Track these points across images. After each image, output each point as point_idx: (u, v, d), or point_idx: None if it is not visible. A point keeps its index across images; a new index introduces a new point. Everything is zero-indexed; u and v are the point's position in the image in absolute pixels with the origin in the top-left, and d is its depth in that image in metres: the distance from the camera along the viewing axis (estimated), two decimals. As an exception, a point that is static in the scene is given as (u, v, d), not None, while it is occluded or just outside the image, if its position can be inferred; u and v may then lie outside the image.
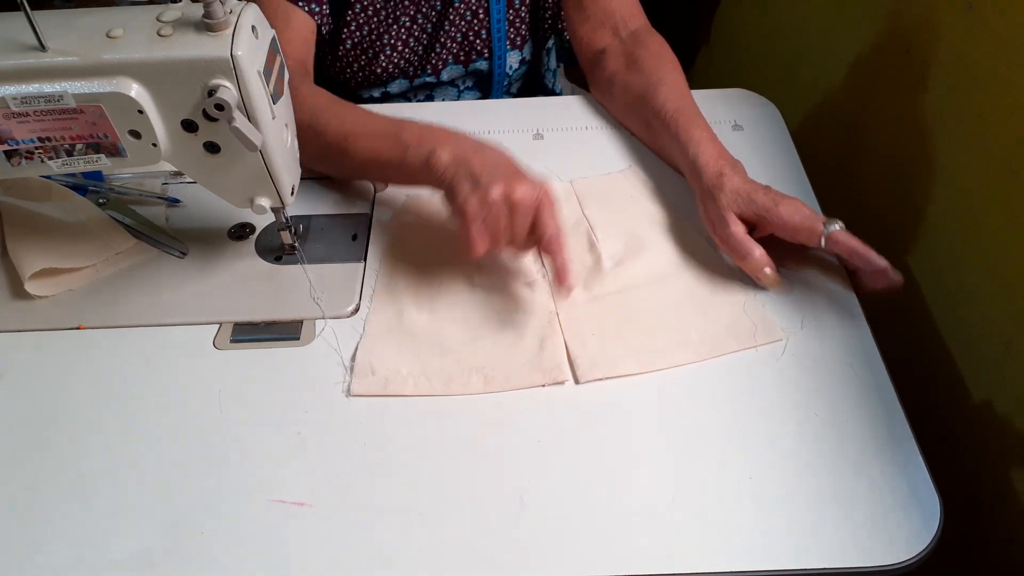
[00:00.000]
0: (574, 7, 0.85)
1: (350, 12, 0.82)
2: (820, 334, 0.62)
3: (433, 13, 0.85)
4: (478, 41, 0.87)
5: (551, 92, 1.01)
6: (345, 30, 0.83)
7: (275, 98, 0.54)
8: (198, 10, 0.50)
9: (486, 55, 0.89)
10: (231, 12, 0.50)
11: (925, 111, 0.79)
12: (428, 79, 0.89)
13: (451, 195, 0.61)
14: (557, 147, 0.80)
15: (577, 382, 0.58)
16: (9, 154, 0.53)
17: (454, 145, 0.62)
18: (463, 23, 0.86)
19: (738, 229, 0.63)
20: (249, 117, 0.52)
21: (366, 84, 0.88)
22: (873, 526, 0.50)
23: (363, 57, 0.85)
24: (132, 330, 0.63)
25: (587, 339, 0.61)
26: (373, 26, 0.84)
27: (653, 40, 0.80)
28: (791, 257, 0.65)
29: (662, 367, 0.59)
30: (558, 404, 0.57)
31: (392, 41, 0.85)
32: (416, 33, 0.86)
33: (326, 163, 0.72)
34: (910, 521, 0.51)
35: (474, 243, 0.58)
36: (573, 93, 1.03)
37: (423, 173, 0.63)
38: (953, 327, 0.76)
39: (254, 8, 0.53)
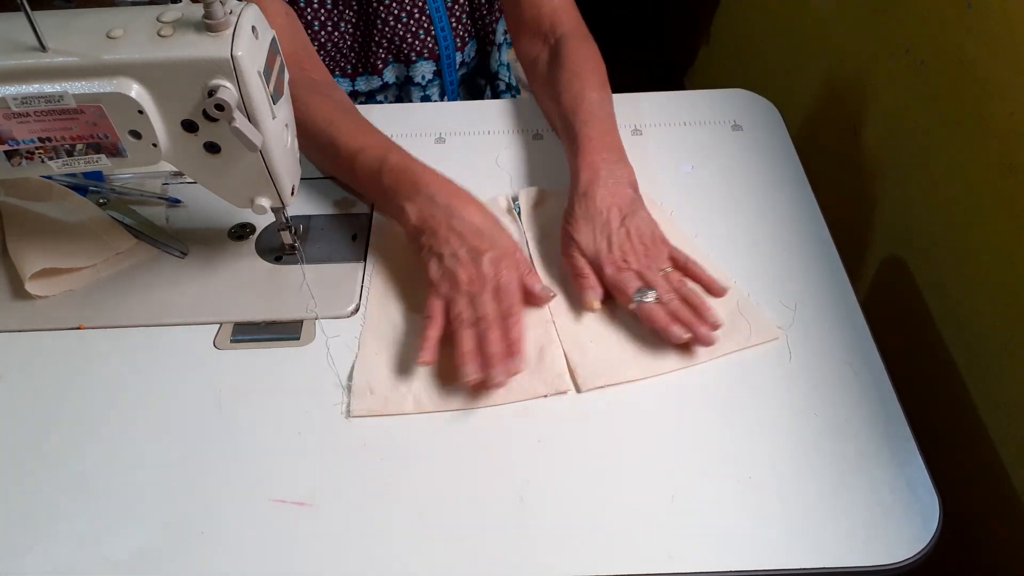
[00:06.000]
0: (513, 17, 0.84)
1: None
2: (820, 334, 0.62)
3: (355, 2, 0.83)
4: (416, 42, 0.86)
5: (507, 85, 0.99)
6: None
7: (275, 98, 0.55)
8: (198, 10, 0.50)
9: (426, 55, 0.87)
10: (231, 12, 0.50)
11: (925, 111, 0.79)
12: (373, 81, 0.88)
13: (423, 267, 0.62)
14: (557, 147, 0.80)
15: (579, 391, 0.58)
16: (9, 154, 0.53)
17: (422, 203, 0.63)
18: (399, 25, 0.84)
19: (572, 252, 0.64)
20: (249, 117, 0.52)
21: None
22: (872, 526, 0.50)
23: None
24: (132, 330, 0.63)
25: (586, 346, 0.60)
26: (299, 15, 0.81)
27: (576, 42, 0.79)
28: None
29: (661, 372, 0.59)
30: (558, 404, 0.57)
31: (321, 35, 0.83)
32: (345, 28, 0.84)
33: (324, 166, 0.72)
34: (909, 521, 0.51)
35: (462, 365, 0.57)
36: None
37: (398, 221, 0.65)
38: (953, 327, 0.76)
39: (254, 8, 0.53)
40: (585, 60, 0.76)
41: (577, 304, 0.64)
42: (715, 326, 0.59)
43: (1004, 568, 0.71)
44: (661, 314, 0.60)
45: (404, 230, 0.65)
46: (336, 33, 0.84)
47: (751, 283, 0.65)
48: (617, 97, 0.85)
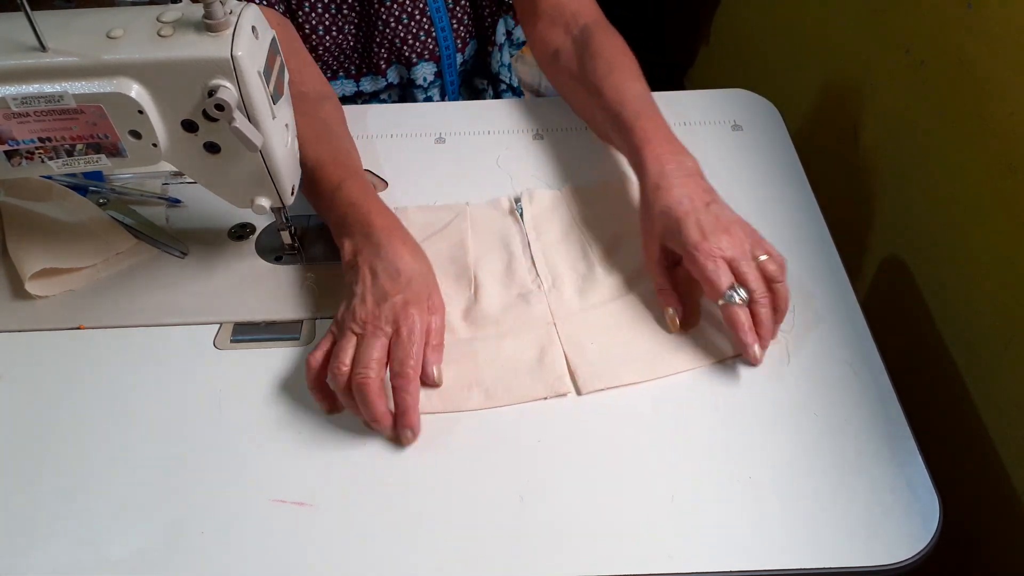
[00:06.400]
0: (526, 7, 0.83)
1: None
2: (820, 334, 0.62)
3: (357, 3, 0.83)
4: (417, 43, 0.85)
5: (508, 86, 0.99)
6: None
7: (275, 98, 0.55)
8: (198, 10, 0.50)
9: (427, 56, 0.87)
10: (231, 12, 0.50)
11: (925, 111, 0.79)
12: (378, 81, 0.88)
13: (344, 299, 0.58)
14: (557, 147, 0.80)
15: (579, 393, 0.58)
16: (9, 154, 0.53)
17: (358, 240, 0.59)
18: (399, 26, 0.84)
19: (655, 258, 0.62)
20: (249, 117, 0.52)
21: None
22: (872, 526, 0.50)
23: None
24: (132, 330, 0.63)
25: (586, 348, 0.60)
26: (296, 12, 0.80)
27: (604, 33, 0.77)
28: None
29: (662, 375, 0.59)
30: (558, 405, 0.57)
31: (326, 39, 0.83)
32: (348, 30, 0.84)
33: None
34: (909, 521, 0.51)
35: (334, 377, 0.54)
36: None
37: (340, 254, 0.62)
38: (953, 327, 0.76)
39: (254, 9, 0.53)
40: (620, 52, 0.75)
41: (580, 305, 0.64)
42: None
43: (1004, 568, 0.71)
44: (745, 322, 0.57)
45: (343, 267, 0.61)
46: (340, 35, 0.84)
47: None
48: (617, 97, 0.85)
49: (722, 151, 0.79)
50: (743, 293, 0.57)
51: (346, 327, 0.55)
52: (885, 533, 0.50)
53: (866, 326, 0.62)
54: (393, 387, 0.54)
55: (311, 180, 0.66)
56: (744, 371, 0.59)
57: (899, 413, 0.57)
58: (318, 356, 0.56)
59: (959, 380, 0.74)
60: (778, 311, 0.58)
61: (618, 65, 0.73)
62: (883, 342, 0.61)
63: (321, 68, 0.84)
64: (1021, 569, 0.68)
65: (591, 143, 0.80)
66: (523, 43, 0.97)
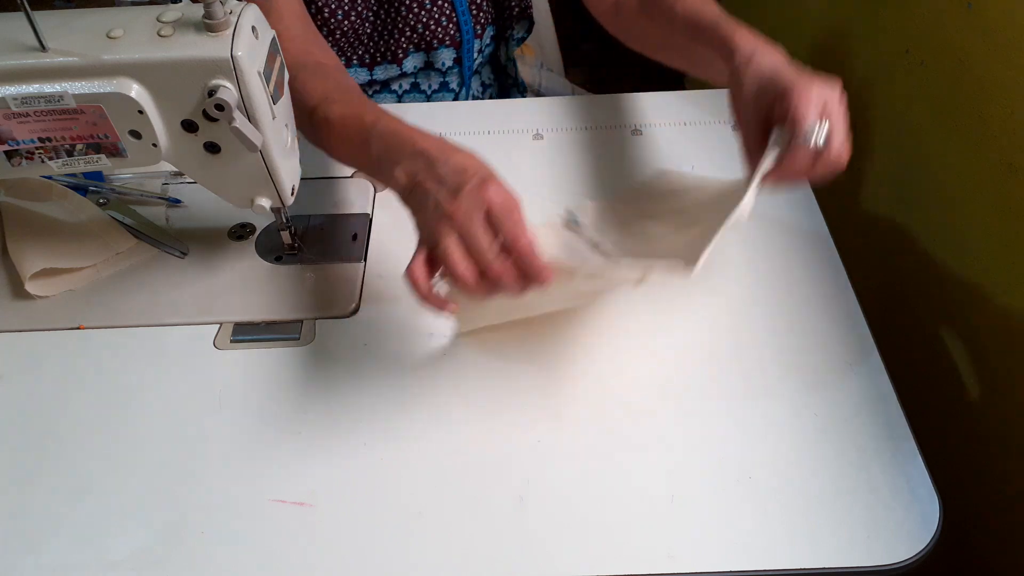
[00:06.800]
0: None
1: None
2: (820, 334, 0.62)
3: None
4: (439, 29, 0.85)
5: (514, 82, 0.99)
6: None
7: (275, 98, 0.55)
8: (198, 10, 0.50)
9: (447, 42, 0.86)
10: (231, 12, 0.50)
11: (925, 111, 0.79)
12: (391, 69, 0.87)
13: (415, 222, 0.55)
14: (557, 147, 0.80)
15: (695, 263, 0.53)
16: (10, 154, 0.53)
17: (408, 163, 0.56)
18: (422, 12, 0.83)
19: (747, 124, 0.60)
20: (249, 117, 0.52)
21: None
22: (873, 526, 0.50)
23: None
24: (132, 330, 0.63)
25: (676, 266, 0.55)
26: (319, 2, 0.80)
27: None
28: None
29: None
30: (558, 404, 0.57)
31: (344, 24, 0.82)
32: (366, 16, 0.83)
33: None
34: (910, 521, 0.51)
35: (460, 278, 0.50)
36: (574, 93, 1.04)
37: (392, 189, 0.58)
38: (953, 327, 0.76)
39: (254, 8, 0.53)
40: None
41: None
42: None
43: (1004, 568, 0.71)
44: (799, 169, 0.55)
45: (400, 198, 0.57)
46: (358, 20, 0.83)
47: (751, 283, 0.65)
48: (617, 97, 0.85)
49: (723, 151, 0.79)
50: (824, 135, 0.54)
51: (438, 231, 0.51)
52: (885, 533, 0.50)
53: (866, 326, 0.62)
54: (514, 258, 0.50)
55: (341, 127, 0.62)
56: (744, 371, 0.59)
57: (899, 413, 0.57)
58: (419, 269, 0.52)
59: (959, 380, 0.74)
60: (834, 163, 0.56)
61: None
62: (883, 342, 0.61)
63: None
64: (1021, 569, 0.68)
65: (591, 143, 0.80)
66: (523, 38, 0.97)
